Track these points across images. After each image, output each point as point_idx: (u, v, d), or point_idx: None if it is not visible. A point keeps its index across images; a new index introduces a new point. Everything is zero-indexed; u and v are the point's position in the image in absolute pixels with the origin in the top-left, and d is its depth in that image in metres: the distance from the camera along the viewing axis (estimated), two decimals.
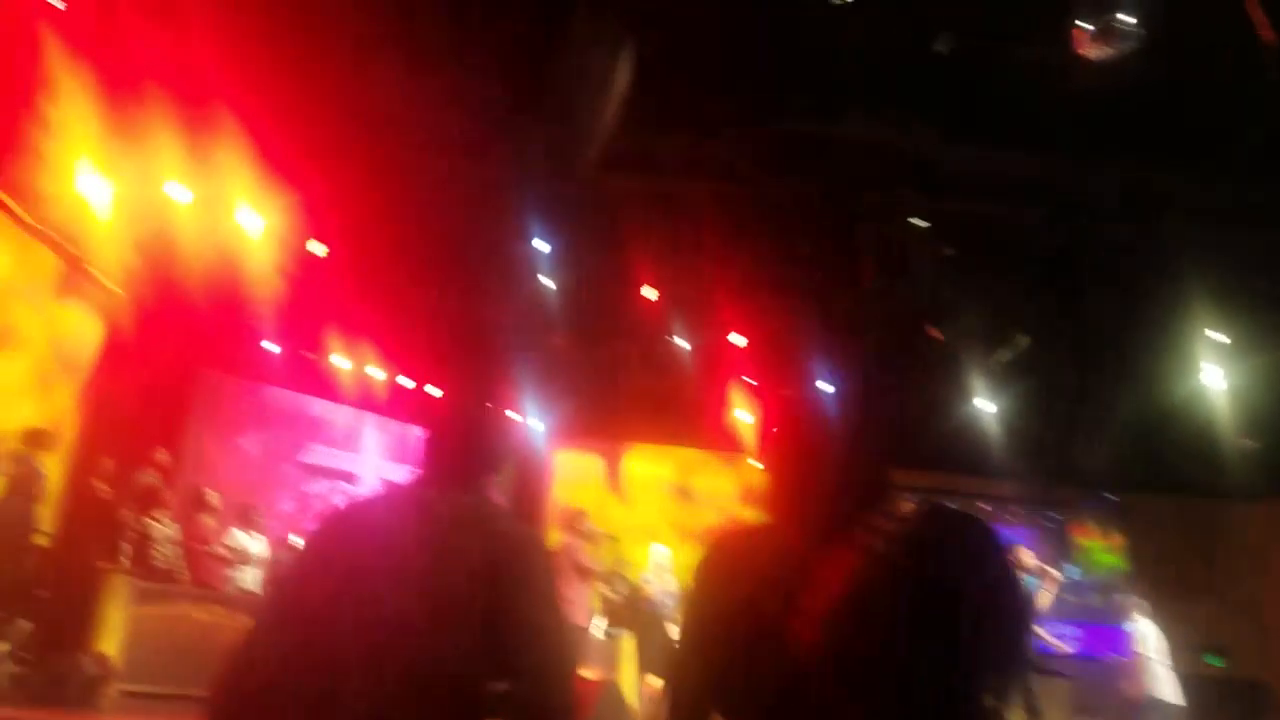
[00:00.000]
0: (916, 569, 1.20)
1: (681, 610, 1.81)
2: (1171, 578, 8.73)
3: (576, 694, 1.98)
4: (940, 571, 1.18)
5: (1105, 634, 14.34)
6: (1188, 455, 11.83)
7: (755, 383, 13.46)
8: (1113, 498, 14.40)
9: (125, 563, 7.64)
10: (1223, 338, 9.71)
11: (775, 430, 1.91)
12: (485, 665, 1.85)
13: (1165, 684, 8.67)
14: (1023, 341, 10.81)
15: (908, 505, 1.22)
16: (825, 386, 12.90)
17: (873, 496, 1.64)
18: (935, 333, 10.60)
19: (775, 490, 1.82)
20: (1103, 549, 14.60)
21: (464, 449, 2.09)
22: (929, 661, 1.23)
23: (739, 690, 1.66)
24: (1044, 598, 8.76)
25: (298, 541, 1.95)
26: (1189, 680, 9.00)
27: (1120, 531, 14.45)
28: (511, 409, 2.41)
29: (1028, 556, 8.80)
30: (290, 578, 2.00)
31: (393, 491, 2.15)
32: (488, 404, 2.19)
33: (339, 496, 13.64)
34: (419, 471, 2.10)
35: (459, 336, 11.86)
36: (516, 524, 2.05)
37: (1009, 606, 1.17)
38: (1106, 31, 6.31)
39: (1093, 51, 6.38)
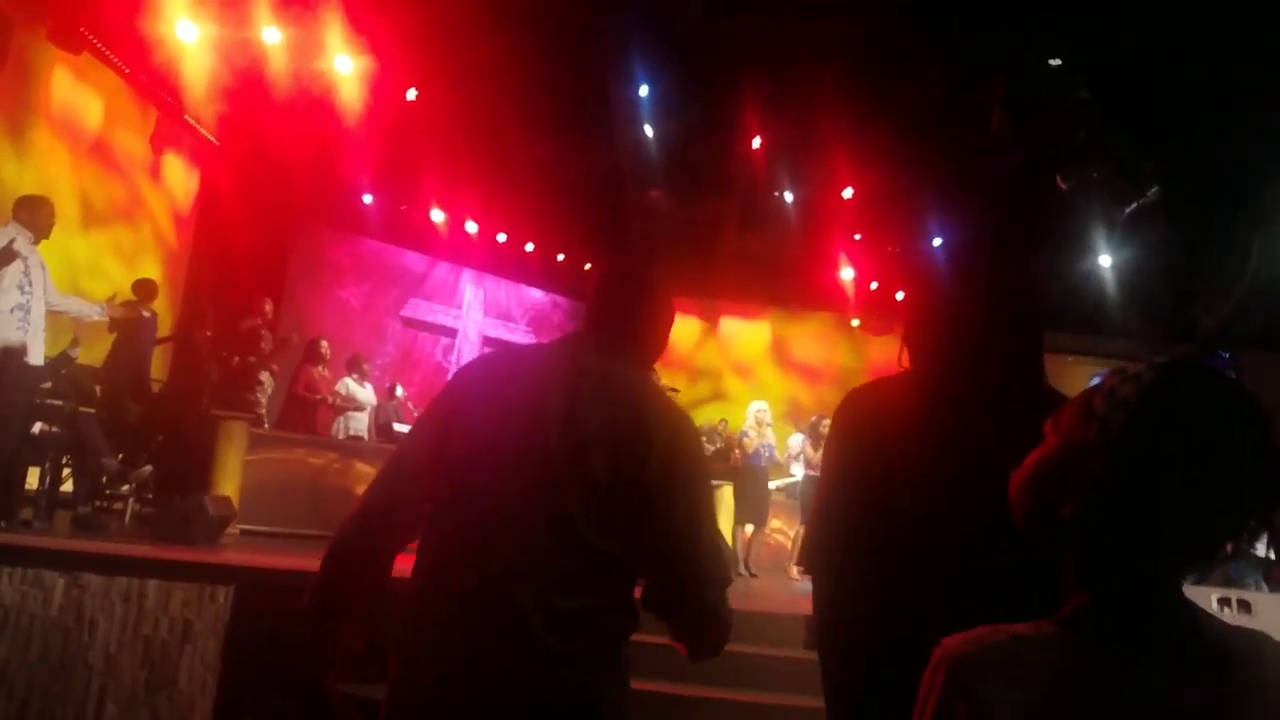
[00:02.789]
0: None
1: (824, 455, 1.74)
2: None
3: (727, 604, 1.84)
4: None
5: None
6: None
7: (860, 238, 12.99)
8: (1226, 354, 14.15)
9: (240, 410, 7.75)
10: None
11: (931, 277, 1.82)
12: (634, 552, 1.77)
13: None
14: (1152, 193, 10.13)
15: (1138, 364, 1.02)
16: (939, 241, 12.39)
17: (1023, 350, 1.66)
18: (1062, 182, 9.93)
19: (929, 337, 1.74)
20: None
21: (623, 319, 1.92)
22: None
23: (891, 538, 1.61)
24: None
25: (456, 389, 1.89)
26: None
27: None
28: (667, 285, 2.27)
29: None
30: (445, 426, 1.84)
31: (548, 352, 1.93)
32: (656, 276, 1.99)
33: (448, 353, 13.80)
34: (580, 328, 1.96)
35: (558, 189, 11.58)
36: (674, 408, 1.91)
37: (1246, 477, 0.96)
38: None
39: None
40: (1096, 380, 1.12)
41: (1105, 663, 0.96)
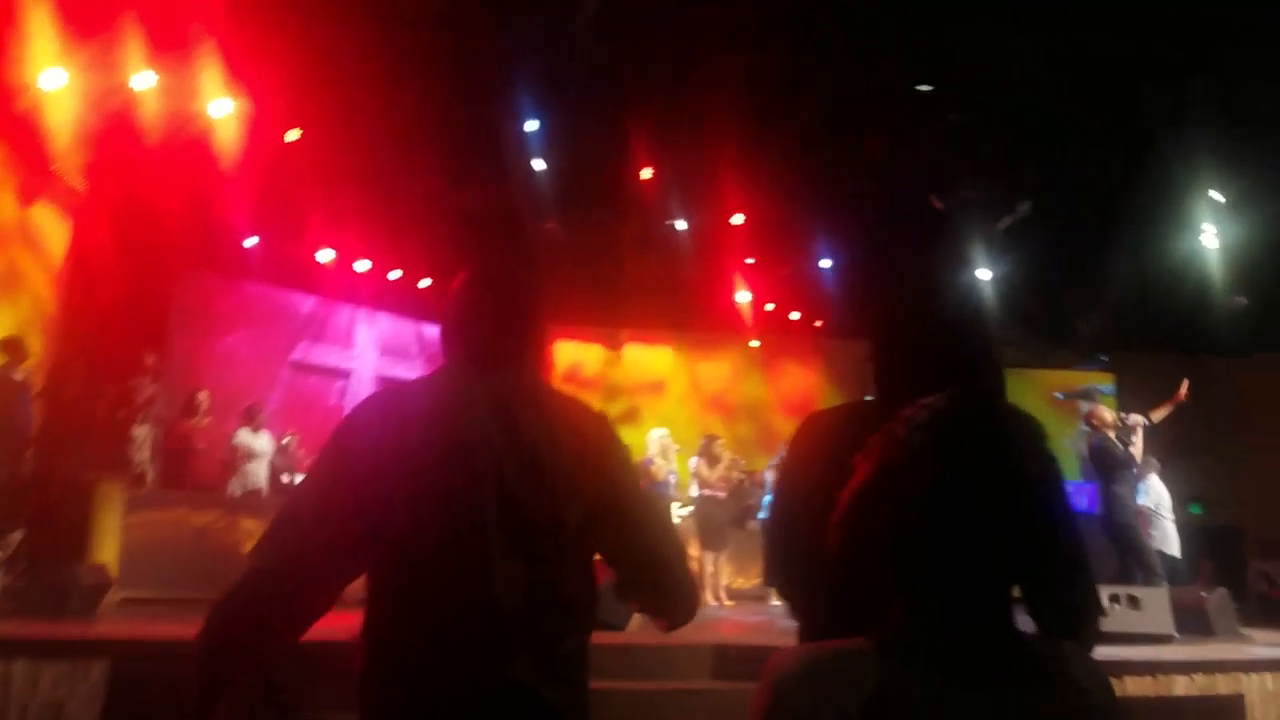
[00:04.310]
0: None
1: (777, 477, 2.15)
2: (1162, 432, 8.81)
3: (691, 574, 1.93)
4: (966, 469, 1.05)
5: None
6: (1181, 315, 12.07)
7: (754, 262, 13.22)
8: (1104, 358, 14.85)
9: (116, 470, 7.45)
10: (1218, 197, 9.58)
11: (887, 307, 1.83)
12: (592, 551, 1.78)
13: (1169, 538, 8.86)
14: (1024, 207, 10.56)
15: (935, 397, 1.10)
16: (826, 262, 12.71)
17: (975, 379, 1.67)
18: (937, 202, 10.28)
19: (882, 369, 1.77)
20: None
21: (504, 328, 1.83)
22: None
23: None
24: (1139, 445, 8.09)
25: (353, 432, 1.73)
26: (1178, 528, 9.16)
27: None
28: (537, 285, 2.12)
29: (1106, 413, 8.18)
30: (361, 474, 1.69)
31: (442, 381, 1.82)
32: (522, 279, 1.90)
33: (342, 395, 13.51)
34: (454, 357, 1.84)
35: (450, 222, 11.48)
36: (585, 405, 1.88)
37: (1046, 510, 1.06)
38: None
39: None
40: None
41: (917, 680, 0.98)
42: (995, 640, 1.01)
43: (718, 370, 15.64)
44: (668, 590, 1.86)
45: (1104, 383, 15.19)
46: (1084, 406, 15.13)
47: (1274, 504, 13.00)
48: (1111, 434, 7.88)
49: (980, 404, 1.06)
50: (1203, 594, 7.38)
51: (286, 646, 1.69)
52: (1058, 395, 15.24)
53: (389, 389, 2.06)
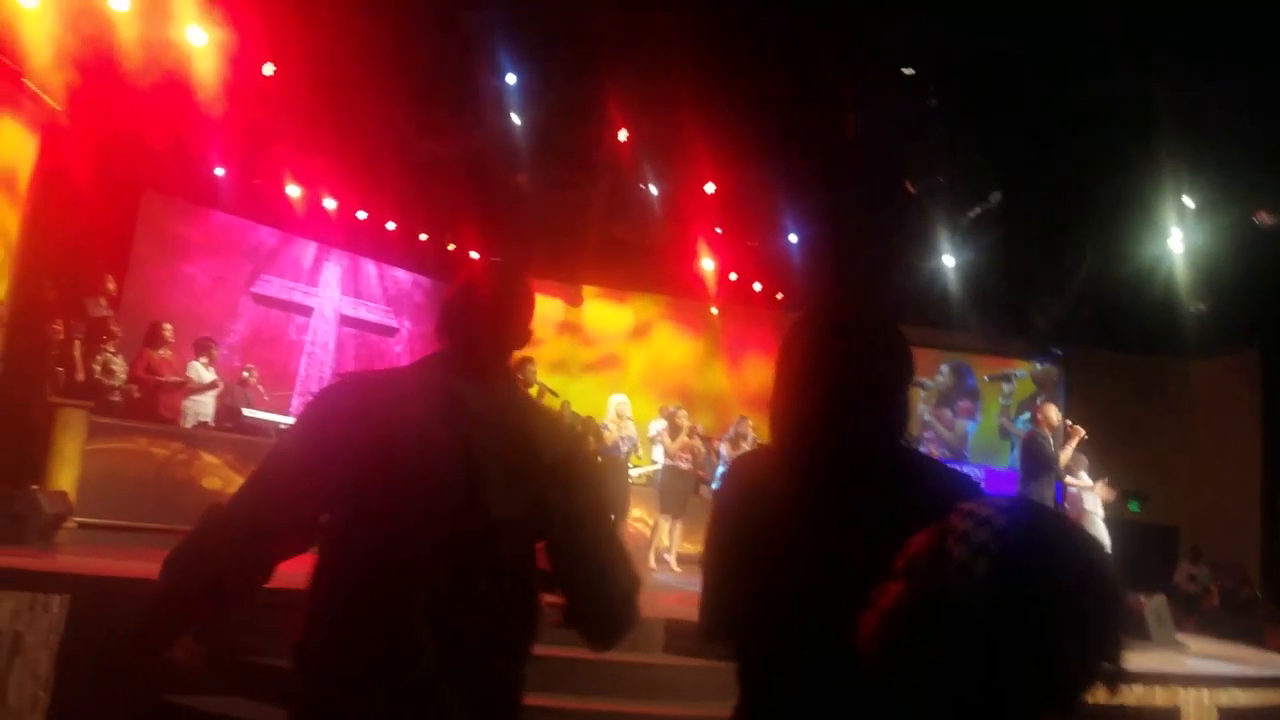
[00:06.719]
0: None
1: (708, 529, 1.71)
2: (1107, 429, 8.90)
3: (636, 610, 1.87)
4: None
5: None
6: (1139, 315, 12.30)
7: (722, 232, 13.28)
8: (1058, 352, 15.10)
9: (76, 397, 7.35)
10: (1188, 202, 9.74)
11: (794, 341, 1.67)
12: (540, 577, 1.78)
13: (1099, 535, 8.84)
14: (995, 198, 10.67)
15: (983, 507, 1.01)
16: (793, 237, 12.80)
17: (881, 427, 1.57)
18: (911, 186, 10.39)
19: (782, 409, 1.63)
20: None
21: (499, 331, 1.86)
22: None
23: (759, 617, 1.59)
24: (1067, 454, 8.17)
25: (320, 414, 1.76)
26: (1112, 525, 9.25)
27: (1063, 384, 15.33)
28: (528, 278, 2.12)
29: (1054, 414, 8.29)
30: (320, 458, 1.72)
31: (422, 379, 1.83)
32: (519, 279, 1.92)
33: (302, 331, 13.40)
34: (442, 350, 1.86)
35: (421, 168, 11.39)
36: (571, 431, 1.91)
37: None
38: None
39: None
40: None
41: None
42: None
43: (679, 345, 15.69)
44: (608, 614, 1.84)
45: (1024, 369, 15.65)
46: (1005, 389, 15.70)
47: (1211, 506, 13.22)
48: (1049, 433, 8.05)
49: (1044, 522, 1.00)
50: (1141, 599, 7.38)
51: (234, 601, 1.74)
52: (986, 378, 15.77)
53: (368, 374, 2.11)
